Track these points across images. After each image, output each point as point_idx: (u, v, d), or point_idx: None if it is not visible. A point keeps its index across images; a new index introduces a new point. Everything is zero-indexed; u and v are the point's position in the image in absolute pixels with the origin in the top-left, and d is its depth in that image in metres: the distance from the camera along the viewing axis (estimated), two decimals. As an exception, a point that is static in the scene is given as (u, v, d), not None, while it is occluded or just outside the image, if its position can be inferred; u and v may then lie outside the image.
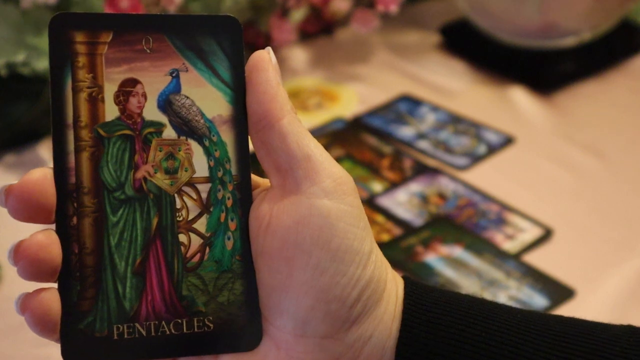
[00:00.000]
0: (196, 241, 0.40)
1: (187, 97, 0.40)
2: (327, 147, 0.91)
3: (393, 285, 0.42)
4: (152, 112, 0.40)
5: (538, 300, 0.70)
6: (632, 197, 0.83)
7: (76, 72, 0.39)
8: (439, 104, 0.99)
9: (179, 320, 0.40)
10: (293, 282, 0.39)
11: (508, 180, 0.86)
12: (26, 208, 0.38)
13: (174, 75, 0.40)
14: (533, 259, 0.75)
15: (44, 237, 0.38)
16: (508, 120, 0.96)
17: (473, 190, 0.83)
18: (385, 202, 0.81)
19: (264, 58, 0.40)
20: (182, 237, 0.40)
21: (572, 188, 0.85)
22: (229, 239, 0.40)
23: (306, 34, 1.15)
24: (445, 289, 0.44)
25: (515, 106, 0.98)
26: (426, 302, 0.42)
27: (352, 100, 1.00)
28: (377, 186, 0.84)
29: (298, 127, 0.40)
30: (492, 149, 0.91)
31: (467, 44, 1.10)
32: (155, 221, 0.40)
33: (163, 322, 0.40)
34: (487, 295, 0.70)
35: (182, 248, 0.40)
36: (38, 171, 0.38)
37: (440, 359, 0.41)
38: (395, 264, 0.73)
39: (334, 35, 1.14)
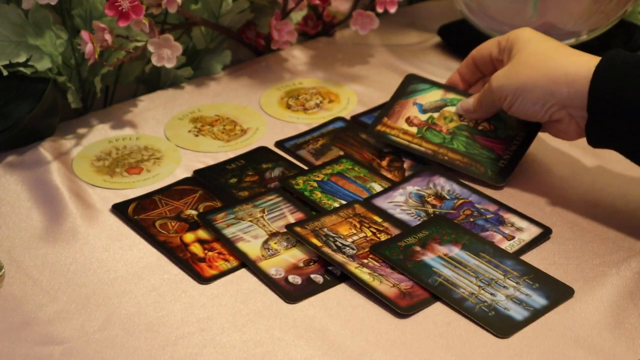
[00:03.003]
0: None
1: None
2: (327, 148, 0.91)
3: None
4: None
5: (537, 300, 0.71)
6: (630, 196, 0.84)
7: None
8: (438, 105, 0.99)
9: None
10: None
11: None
12: None
13: None
14: (531, 258, 0.76)
15: None
16: (507, 121, 0.96)
17: (471, 190, 0.83)
18: (384, 202, 0.82)
19: None
20: None
21: (571, 187, 0.85)
22: None
23: (306, 35, 1.15)
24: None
25: (514, 106, 0.98)
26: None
27: (351, 100, 1.01)
28: (376, 186, 0.84)
29: None
30: (491, 149, 0.91)
31: (466, 44, 1.10)
32: None
33: None
34: (486, 295, 0.71)
35: None
36: None
37: None
38: (394, 264, 0.73)
39: (333, 36, 1.15)
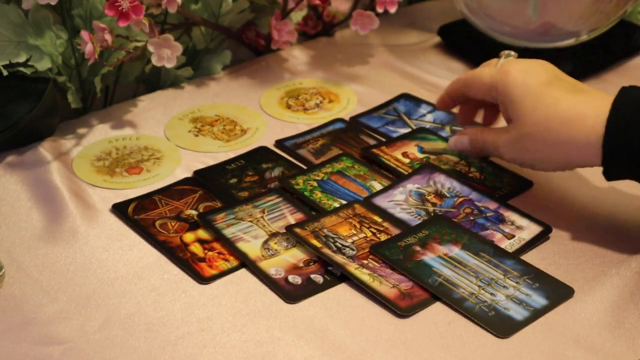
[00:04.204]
0: None
1: None
2: (327, 148, 0.91)
3: None
4: None
5: (537, 300, 0.71)
6: (631, 196, 0.84)
7: None
8: (438, 105, 0.99)
9: None
10: None
11: (507, 180, 0.86)
12: None
13: None
14: (531, 258, 0.76)
15: None
16: (507, 121, 0.96)
17: (471, 187, 0.83)
18: (384, 201, 0.82)
19: None
20: None
21: (571, 187, 0.85)
22: None
23: (306, 35, 1.15)
24: None
25: (514, 106, 0.98)
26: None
27: (351, 100, 1.01)
28: (376, 184, 0.84)
29: None
30: (491, 149, 0.91)
31: (466, 44, 1.11)
32: None
33: None
34: (486, 294, 0.71)
35: None
36: None
37: None
38: (394, 264, 0.73)
39: (333, 36, 1.15)
